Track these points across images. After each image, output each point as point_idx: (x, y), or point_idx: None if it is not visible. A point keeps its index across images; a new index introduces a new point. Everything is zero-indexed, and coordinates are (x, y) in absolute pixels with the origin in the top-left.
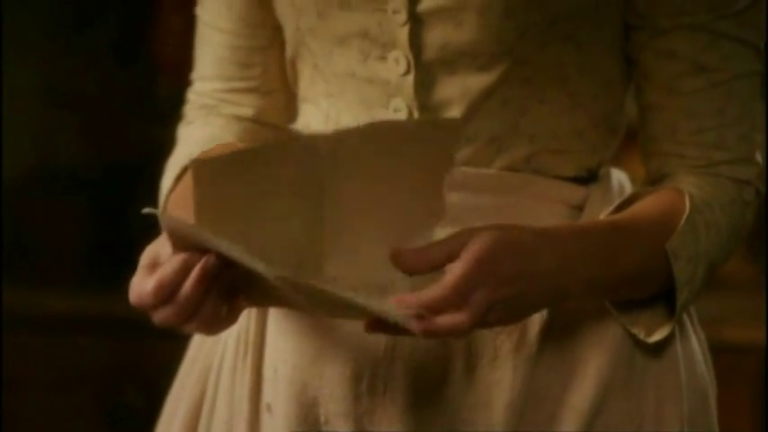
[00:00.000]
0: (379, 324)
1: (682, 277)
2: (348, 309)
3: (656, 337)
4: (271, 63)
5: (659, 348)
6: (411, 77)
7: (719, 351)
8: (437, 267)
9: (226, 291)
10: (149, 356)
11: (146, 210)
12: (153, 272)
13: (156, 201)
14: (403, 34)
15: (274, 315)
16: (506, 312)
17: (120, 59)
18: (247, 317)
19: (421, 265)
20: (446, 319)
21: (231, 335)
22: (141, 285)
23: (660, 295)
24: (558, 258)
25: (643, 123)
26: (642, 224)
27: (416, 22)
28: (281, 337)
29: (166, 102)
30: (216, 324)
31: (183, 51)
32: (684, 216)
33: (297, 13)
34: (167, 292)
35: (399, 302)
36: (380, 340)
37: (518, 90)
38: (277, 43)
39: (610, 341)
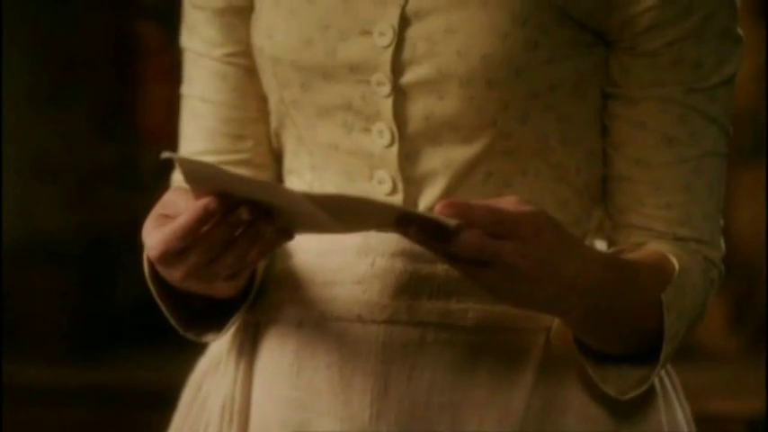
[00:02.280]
0: (409, 225)
1: (670, 331)
2: (381, 216)
3: (630, 394)
4: (262, 135)
5: (643, 421)
6: (395, 149)
7: (704, 422)
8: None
9: (249, 233)
10: (134, 427)
11: (164, 153)
12: (168, 222)
13: (142, 272)
14: (387, 106)
15: (260, 382)
16: (511, 283)
17: (103, 131)
18: (233, 384)
19: (484, 213)
20: (476, 237)
21: (216, 403)
22: (163, 233)
23: (630, 356)
24: (576, 273)
25: (611, 194)
26: (641, 270)
27: (400, 94)
28: (266, 405)
29: (150, 173)
30: (238, 270)
31: (166, 121)
32: (676, 271)
33: (281, 85)
34: (194, 233)
35: (446, 205)
36: (365, 408)
37: (501, 162)
38: (267, 115)
39: (593, 415)
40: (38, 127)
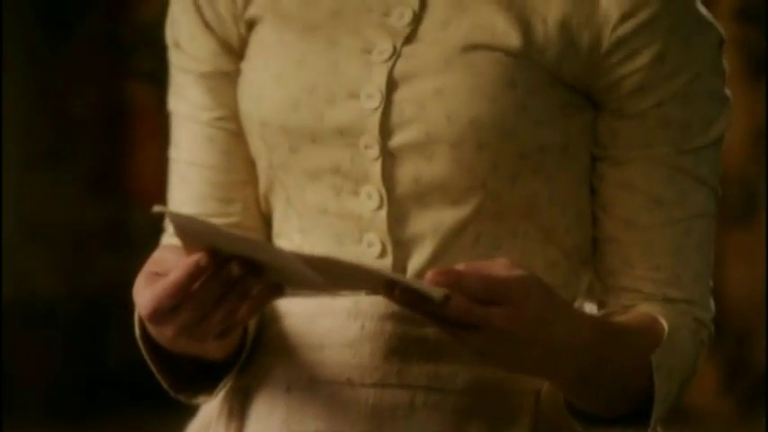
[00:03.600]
0: (395, 291)
1: (660, 392)
2: (369, 281)
3: None
4: (250, 199)
5: None
6: (384, 212)
7: None
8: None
9: (239, 289)
10: None
11: (156, 207)
12: (159, 279)
13: (133, 333)
14: (375, 169)
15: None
16: (500, 346)
17: (95, 192)
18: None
19: (475, 278)
20: (466, 301)
21: None
22: (154, 291)
23: (621, 418)
24: (566, 336)
25: (600, 256)
26: (631, 333)
27: (389, 157)
28: None
29: (140, 233)
30: (229, 327)
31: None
32: (666, 333)
33: (269, 148)
34: (185, 290)
35: (437, 273)
36: None
37: (491, 224)
38: (255, 178)
39: None
40: (31, 189)
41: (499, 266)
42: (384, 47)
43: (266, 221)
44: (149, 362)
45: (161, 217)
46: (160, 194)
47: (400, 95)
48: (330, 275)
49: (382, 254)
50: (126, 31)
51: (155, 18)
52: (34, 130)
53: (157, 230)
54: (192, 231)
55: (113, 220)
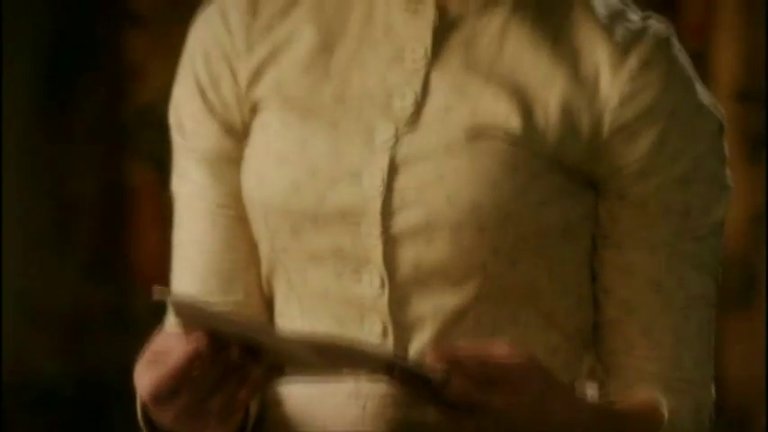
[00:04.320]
0: (395, 372)
1: None
2: (370, 362)
3: None
4: (252, 281)
5: None
6: (385, 295)
7: None
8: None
9: (239, 373)
10: None
11: (156, 290)
12: (159, 363)
13: (134, 417)
14: (377, 252)
15: None
16: (499, 430)
17: (96, 273)
18: None
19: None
20: (465, 384)
21: None
22: (155, 375)
23: None
24: (565, 422)
25: (601, 338)
26: (631, 418)
27: (390, 240)
28: None
29: (142, 316)
30: (230, 410)
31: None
32: (666, 418)
33: (271, 231)
34: (185, 374)
35: (436, 353)
36: None
37: (491, 308)
38: (257, 261)
39: None
40: (31, 271)
41: (499, 349)
42: (386, 131)
43: (268, 303)
44: None
45: (162, 300)
46: (161, 277)
47: (401, 179)
48: (330, 357)
49: (383, 337)
50: (127, 112)
51: (156, 100)
52: (34, 212)
53: (158, 313)
54: (191, 314)
55: (114, 302)
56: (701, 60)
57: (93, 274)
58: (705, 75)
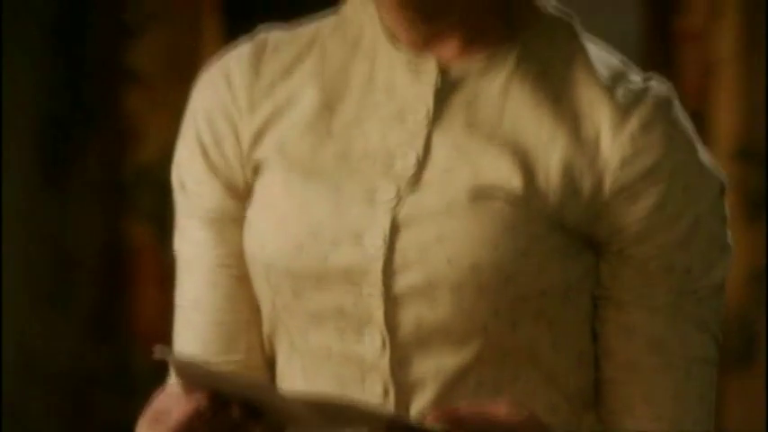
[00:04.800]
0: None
1: None
2: (371, 421)
3: None
4: (254, 341)
5: None
6: (387, 355)
7: None
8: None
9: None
10: None
11: (157, 349)
12: (161, 423)
13: None
14: (378, 312)
15: None
16: None
17: (96, 333)
18: None
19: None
20: None
21: None
22: None
23: None
24: None
25: (602, 398)
26: None
27: (391, 300)
28: None
29: (142, 376)
30: None
31: (159, 324)
32: None
33: (273, 290)
34: None
35: (438, 413)
36: None
37: (492, 369)
38: (259, 321)
39: None
40: (30, 330)
41: (500, 407)
42: (388, 192)
43: (270, 363)
44: None
45: (163, 359)
46: (161, 336)
47: (403, 240)
48: (331, 416)
49: (384, 397)
50: (127, 171)
51: (155, 159)
52: (35, 271)
53: (159, 372)
54: (192, 373)
55: (114, 361)
56: (701, 120)
57: (94, 332)
58: (704, 134)
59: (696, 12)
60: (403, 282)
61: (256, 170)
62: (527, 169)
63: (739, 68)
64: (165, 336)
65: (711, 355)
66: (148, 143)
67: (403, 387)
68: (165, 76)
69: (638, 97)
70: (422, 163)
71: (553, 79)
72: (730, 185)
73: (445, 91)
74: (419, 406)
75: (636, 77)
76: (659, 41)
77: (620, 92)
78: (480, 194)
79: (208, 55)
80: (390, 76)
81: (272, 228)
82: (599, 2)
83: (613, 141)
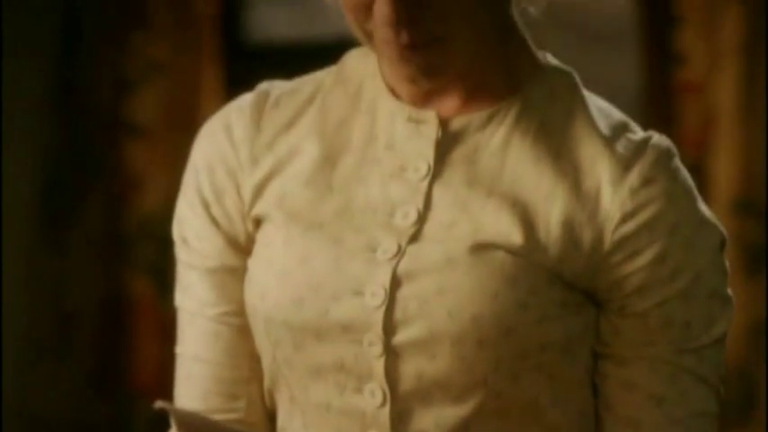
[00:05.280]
0: None
1: None
2: None
3: None
4: (255, 395)
5: None
6: (387, 409)
7: None
8: None
9: None
10: None
11: (158, 403)
12: None
13: None
14: (379, 366)
15: None
16: None
17: (95, 387)
18: None
19: None
20: None
21: None
22: None
23: None
24: None
25: None
26: None
27: (392, 354)
28: None
29: (142, 430)
30: None
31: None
32: None
33: (273, 344)
34: None
35: None
36: None
37: (492, 423)
38: (260, 374)
39: None
40: (30, 384)
41: None
42: (389, 246)
43: (270, 416)
44: None
45: (163, 413)
46: (161, 389)
47: (404, 293)
48: None
49: None
50: (127, 224)
51: (155, 211)
52: (34, 324)
53: (159, 426)
54: (193, 426)
55: (114, 414)
56: (700, 172)
57: (93, 386)
58: (704, 187)
59: (696, 64)
60: (403, 335)
61: (257, 223)
62: (527, 223)
63: (739, 121)
64: (166, 389)
65: (712, 409)
66: (149, 195)
67: None
68: (165, 129)
69: (638, 151)
70: (422, 217)
71: (554, 133)
72: (730, 238)
73: (446, 144)
74: None
75: (636, 130)
76: (659, 94)
77: (620, 145)
78: (481, 247)
79: (207, 107)
80: (391, 130)
81: (273, 281)
82: (600, 55)
83: (614, 195)
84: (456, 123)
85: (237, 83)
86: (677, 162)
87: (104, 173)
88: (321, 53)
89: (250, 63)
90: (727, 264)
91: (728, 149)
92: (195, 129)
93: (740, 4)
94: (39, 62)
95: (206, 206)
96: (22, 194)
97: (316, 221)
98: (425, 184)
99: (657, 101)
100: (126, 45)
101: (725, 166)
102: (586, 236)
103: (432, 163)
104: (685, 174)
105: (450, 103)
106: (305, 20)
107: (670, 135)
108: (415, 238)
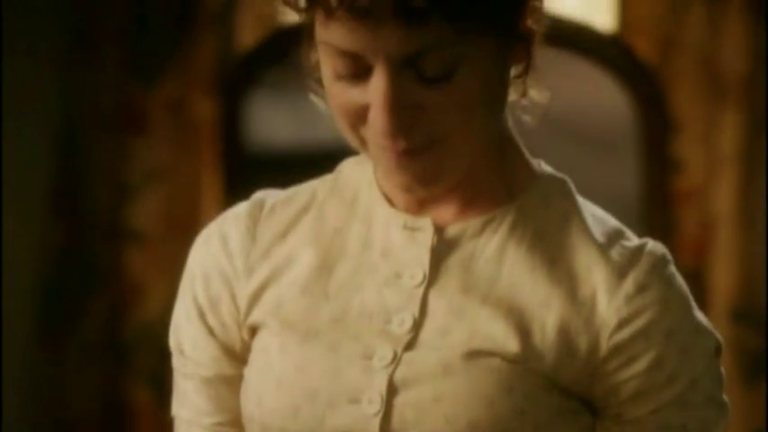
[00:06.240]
0: None
1: None
2: None
3: None
4: None
5: None
6: None
7: None
8: None
9: None
10: None
11: None
12: None
13: None
14: None
15: None
16: None
17: None
18: None
19: None
20: None
21: None
22: None
23: None
24: None
25: None
26: None
27: None
28: None
29: None
30: None
31: None
32: None
33: None
34: None
35: None
36: None
37: None
38: None
39: None
40: None
41: None
42: (385, 353)
43: None
44: None
45: None
46: None
47: (400, 400)
48: None
49: None
50: (126, 331)
51: (156, 319)
52: (33, 429)
53: None
54: None
55: None
56: (699, 279)
57: None
58: (702, 294)
59: (695, 171)
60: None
61: (253, 331)
62: (523, 330)
63: (738, 228)
64: None
65: None
66: (148, 303)
67: None
68: (165, 235)
69: (633, 258)
70: (418, 324)
71: (549, 241)
72: (729, 346)
73: (441, 251)
74: None
75: (631, 237)
76: (658, 201)
77: (615, 252)
78: (477, 354)
79: (208, 213)
80: (386, 238)
81: (270, 389)
82: (599, 162)
83: (609, 303)
84: (451, 230)
85: (237, 189)
86: (672, 269)
87: (104, 279)
88: (322, 159)
89: (250, 169)
90: (723, 370)
91: (727, 257)
92: (195, 235)
93: (738, 112)
94: (38, 167)
95: (201, 315)
96: (21, 301)
97: (312, 329)
98: (421, 291)
99: (656, 207)
100: (126, 151)
101: (724, 274)
102: (582, 343)
103: (427, 270)
104: (680, 280)
105: (445, 211)
106: (305, 125)
107: (669, 242)
108: (410, 345)
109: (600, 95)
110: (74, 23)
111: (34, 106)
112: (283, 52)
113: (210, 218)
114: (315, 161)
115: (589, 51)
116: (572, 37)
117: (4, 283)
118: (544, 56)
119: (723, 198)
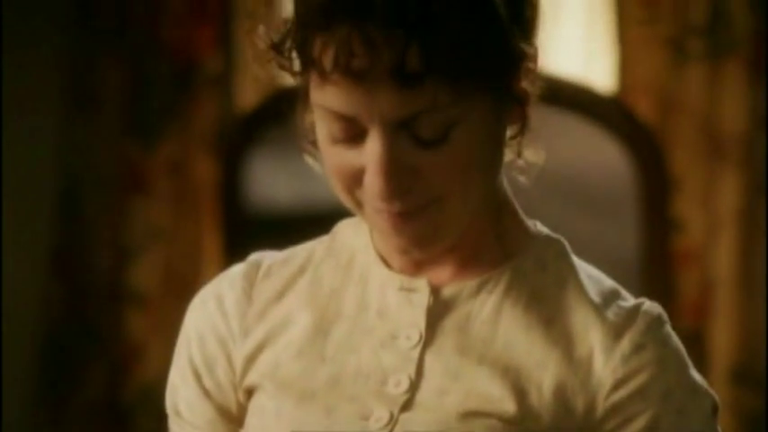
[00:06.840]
0: None
1: None
2: None
3: None
4: None
5: None
6: None
7: None
8: None
9: None
10: None
11: None
12: None
13: None
14: None
15: None
16: None
17: None
18: None
19: None
20: None
21: None
22: None
23: None
24: None
25: None
26: None
27: None
28: None
29: None
30: None
31: None
32: None
33: None
34: None
35: None
36: None
37: None
38: None
39: None
40: None
41: None
42: (381, 414)
43: None
44: None
45: None
46: None
47: None
48: None
49: None
50: (126, 393)
51: (155, 380)
52: None
53: None
54: None
55: None
56: (699, 340)
57: None
58: (702, 354)
59: (694, 231)
60: None
61: (249, 393)
62: (519, 390)
63: (738, 288)
64: None
65: None
66: (149, 364)
67: None
68: (165, 297)
69: (629, 318)
70: (415, 385)
71: (545, 301)
72: (729, 407)
73: (437, 312)
74: None
75: (627, 297)
76: (658, 261)
77: (611, 312)
78: (473, 415)
79: (208, 274)
80: (383, 299)
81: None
82: (598, 223)
83: (606, 363)
84: (447, 291)
85: (238, 249)
86: (668, 329)
87: (104, 341)
88: (322, 219)
89: (250, 229)
90: (720, 430)
91: (727, 317)
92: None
93: (738, 172)
94: (39, 228)
95: (197, 377)
96: (21, 361)
97: (308, 391)
98: (417, 352)
99: (656, 268)
100: (126, 211)
101: (724, 334)
102: (579, 403)
103: (423, 331)
104: (676, 340)
105: (441, 272)
106: (305, 185)
107: (669, 303)
108: (407, 406)
109: (600, 156)
110: (74, 84)
111: (35, 167)
112: (283, 113)
113: (211, 279)
114: (315, 221)
115: (589, 112)
116: (573, 98)
117: (5, 343)
118: (545, 116)
119: (723, 259)
